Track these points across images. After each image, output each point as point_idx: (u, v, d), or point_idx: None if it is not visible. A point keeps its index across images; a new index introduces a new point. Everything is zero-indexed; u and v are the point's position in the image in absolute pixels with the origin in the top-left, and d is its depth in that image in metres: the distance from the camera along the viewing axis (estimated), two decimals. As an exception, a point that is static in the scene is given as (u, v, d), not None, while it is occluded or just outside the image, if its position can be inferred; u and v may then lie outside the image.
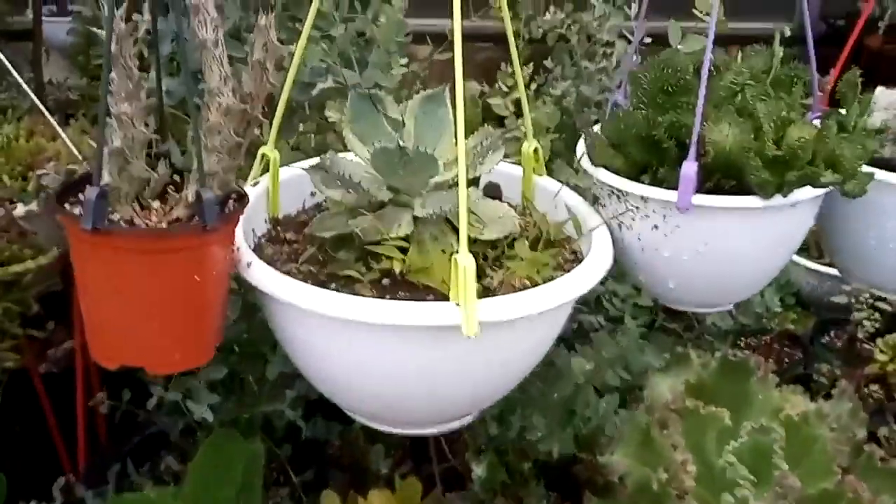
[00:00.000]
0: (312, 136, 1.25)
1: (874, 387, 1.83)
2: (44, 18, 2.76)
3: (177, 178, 0.86)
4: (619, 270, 1.60)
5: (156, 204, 0.82)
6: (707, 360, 1.61)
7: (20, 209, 1.37)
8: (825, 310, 2.16)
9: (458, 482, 1.64)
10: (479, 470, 1.43)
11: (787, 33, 1.92)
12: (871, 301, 1.94)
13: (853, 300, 1.97)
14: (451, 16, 0.79)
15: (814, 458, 1.40)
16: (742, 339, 2.03)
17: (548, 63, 2.28)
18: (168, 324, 0.80)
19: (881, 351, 1.84)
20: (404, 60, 1.25)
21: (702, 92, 0.86)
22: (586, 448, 1.53)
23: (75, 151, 1.49)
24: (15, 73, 1.54)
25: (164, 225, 0.79)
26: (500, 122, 1.88)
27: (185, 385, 1.39)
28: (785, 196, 0.89)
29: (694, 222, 0.91)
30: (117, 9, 0.73)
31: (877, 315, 1.93)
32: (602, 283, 1.71)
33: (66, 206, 0.81)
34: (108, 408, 1.55)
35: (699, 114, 0.86)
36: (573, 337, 1.66)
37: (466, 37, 1.76)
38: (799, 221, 0.96)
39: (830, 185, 0.92)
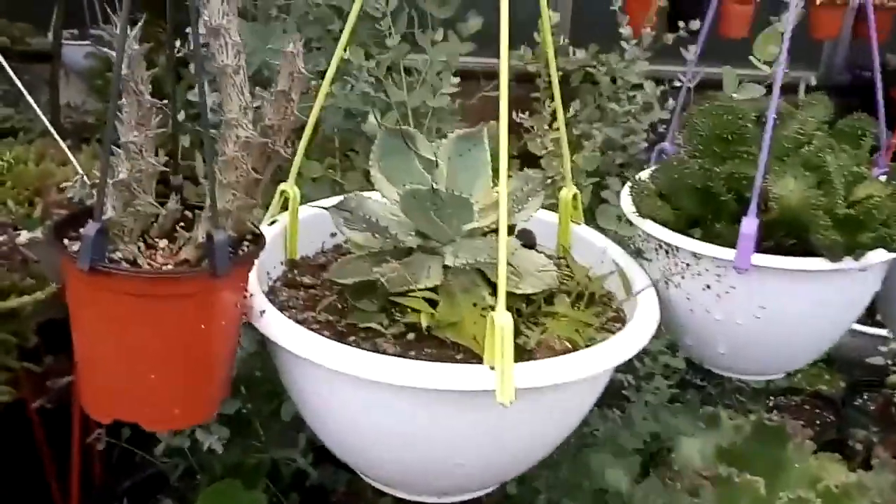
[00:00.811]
0: (338, 169, 1.18)
1: (913, 455, 1.73)
2: (64, 42, 2.73)
3: (188, 213, 0.79)
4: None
5: (163, 243, 0.74)
6: (740, 423, 1.52)
7: (24, 236, 1.30)
8: (857, 370, 2.07)
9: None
10: (495, 531, 1.33)
11: (813, 82, 1.87)
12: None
13: (889, 362, 1.87)
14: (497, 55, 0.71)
15: (854, 533, 1.31)
16: (771, 398, 1.93)
17: (575, 105, 2.23)
18: (169, 376, 0.72)
19: (921, 418, 1.74)
20: (456, 80, 1.19)
21: (766, 141, 0.78)
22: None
23: (84, 176, 1.43)
24: (27, 96, 1.48)
25: (170, 267, 0.71)
26: (522, 162, 1.81)
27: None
28: (856, 259, 0.81)
29: (751, 284, 0.83)
30: (131, 30, 0.66)
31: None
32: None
33: (66, 240, 0.73)
34: (106, 445, 1.48)
35: (762, 166, 0.79)
36: (604, 398, 1.58)
37: (487, 75, 1.70)
38: (867, 286, 0.87)
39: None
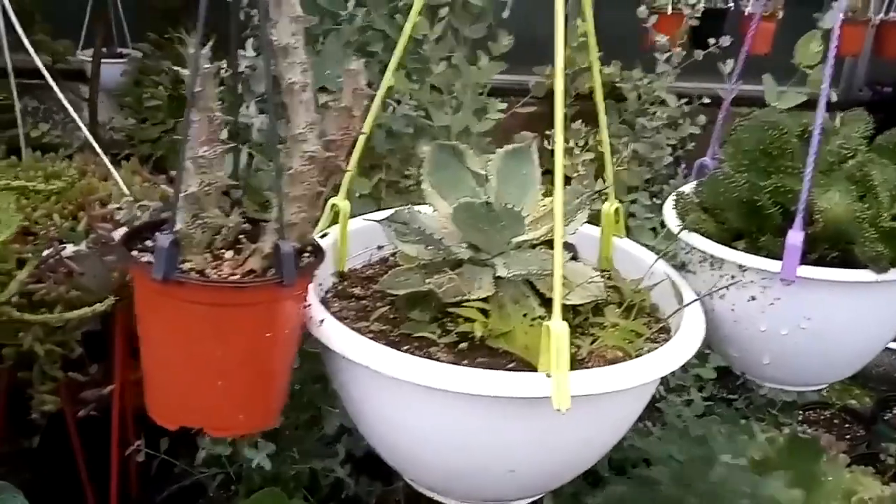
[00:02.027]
0: (382, 186, 1.21)
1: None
2: (89, 59, 2.79)
3: (247, 226, 0.82)
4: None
5: (228, 254, 0.77)
6: (774, 435, 1.53)
7: (69, 249, 1.33)
8: (885, 385, 2.07)
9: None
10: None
11: (834, 98, 1.88)
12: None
13: None
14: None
15: (887, 547, 1.32)
16: (801, 412, 1.94)
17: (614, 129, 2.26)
18: (235, 383, 0.74)
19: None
20: (503, 105, 1.22)
21: (812, 155, 0.80)
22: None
23: (126, 192, 1.46)
24: (73, 114, 1.51)
25: (237, 277, 0.74)
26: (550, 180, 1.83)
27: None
28: (901, 270, 0.82)
29: (797, 295, 0.85)
30: (203, 47, 0.69)
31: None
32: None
33: (134, 252, 0.76)
34: (145, 456, 1.51)
35: (808, 179, 0.81)
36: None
37: (512, 91, 1.71)
38: (909, 298, 0.89)
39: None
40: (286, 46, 0.71)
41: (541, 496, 0.94)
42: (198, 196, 0.73)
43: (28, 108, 2.36)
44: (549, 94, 2.61)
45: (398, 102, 1.17)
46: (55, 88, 1.46)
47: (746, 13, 3.50)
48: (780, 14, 3.24)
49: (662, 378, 1.62)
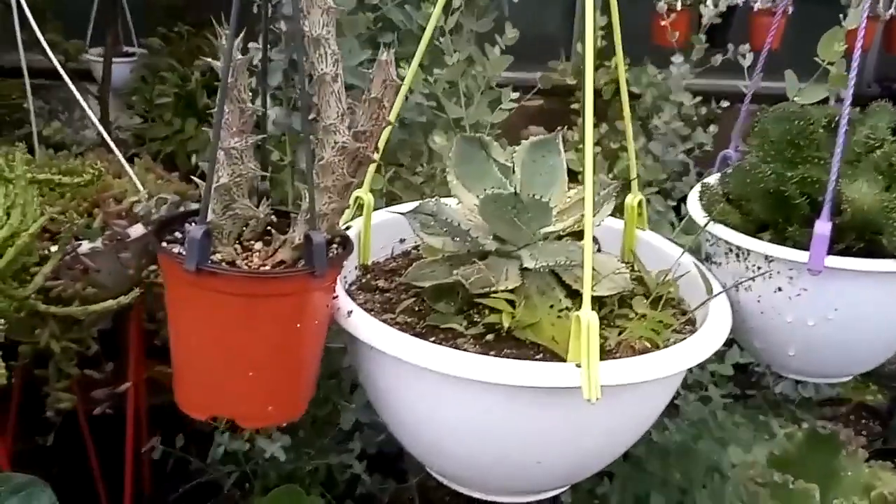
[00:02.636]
0: (397, 180, 1.21)
1: (960, 466, 1.73)
2: (95, 58, 2.80)
3: (274, 218, 0.82)
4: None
5: (257, 245, 0.77)
6: (792, 431, 1.53)
7: (84, 246, 1.33)
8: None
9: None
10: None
11: (841, 95, 1.88)
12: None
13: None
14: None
15: (908, 540, 1.32)
16: (817, 409, 1.94)
17: (619, 125, 2.26)
18: (265, 373, 0.74)
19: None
20: (515, 95, 1.22)
21: (839, 146, 0.80)
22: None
23: (141, 189, 1.46)
24: (91, 114, 1.52)
25: (267, 267, 0.74)
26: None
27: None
28: (928, 259, 0.82)
29: (824, 286, 0.85)
30: (236, 38, 0.69)
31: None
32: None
33: (164, 244, 0.76)
34: (161, 454, 1.51)
35: (835, 169, 0.81)
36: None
37: (522, 88, 1.71)
38: (936, 288, 0.89)
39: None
40: (318, 37, 0.71)
41: (565, 488, 0.94)
42: (229, 187, 0.73)
43: (35, 108, 2.36)
44: (555, 89, 2.62)
45: (411, 92, 1.17)
46: (73, 88, 1.47)
47: (755, 9, 3.50)
48: (790, 10, 3.24)
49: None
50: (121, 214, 1.41)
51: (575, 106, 2.48)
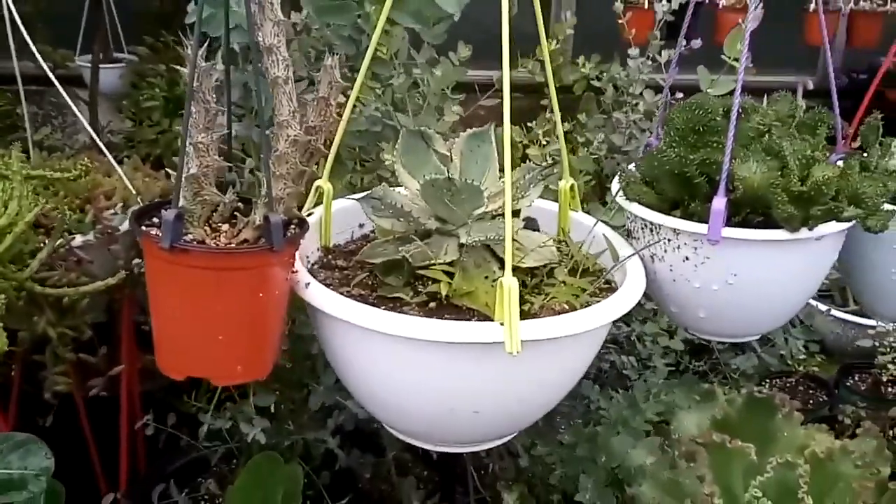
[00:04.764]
0: (361, 177, 1.32)
1: (900, 430, 1.85)
2: (86, 65, 2.91)
3: (240, 204, 0.94)
4: (646, 313, 1.65)
5: (224, 227, 0.89)
6: (733, 396, 1.65)
7: (78, 239, 1.44)
8: (850, 356, 2.19)
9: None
10: (510, 498, 1.47)
11: (811, 86, 2.00)
12: (894, 343, 1.97)
13: (878, 344, 2.00)
14: (500, 66, 0.86)
15: (839, 494, 1.42)
16: (767, 381, 2.06)
17: (581, 117, 2.37)
18: (233, 337, 0.86)
19: (906, 393, 1.87)
20: (457, 108, 1.33)
21: (731, 131, 0.92)
22: (615, 485, 1.56)
23: (130, 187, 1.58)
24: (80, 116, 1.63)
25: (233, 245, 0.86)
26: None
27: (236, 410, 1.46)
28: (810, 229, 0.95)
29: (724, 254, 0.97)
30: (200, 47, 0.81)
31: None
32: (631, 324, 1.77)
33: (143, 227, 0.88)
34: (154, 430, 1.62)
35: (728, 152, 0.93)
36: (607, 378, 1.72)
37: (484, 86, 1.82)
38: (823, 255, 1.01)
39: (853, 220, 0.97)
40: (270, 46, 0.83)
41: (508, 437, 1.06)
42: (197, 176, 0.85)
43: (28, 113, 2.47)
44: (532, 89, 2.73)
45: (364, 104, 1.28)
46: (63, 93, 1.57)
47: (721, 6, 3.63)
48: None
49: (633, 350, 1.74)
50: (110, 210, 1.52)
51: (543, 102, 2.60)
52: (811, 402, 2.06)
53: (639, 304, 1.71)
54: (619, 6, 2.33)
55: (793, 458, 1.42)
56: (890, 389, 1.96)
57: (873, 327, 2.09)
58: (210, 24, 1.02)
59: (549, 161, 1.82)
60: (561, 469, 1.40)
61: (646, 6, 3.29)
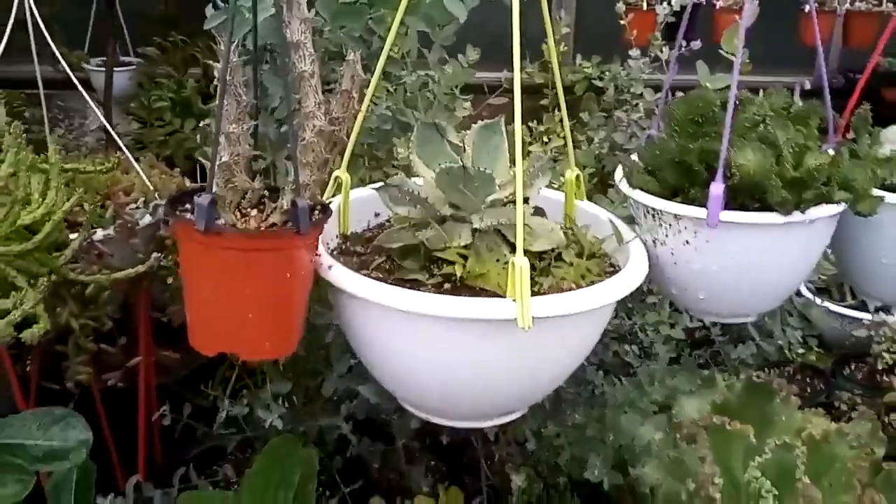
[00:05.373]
0: (369, 174, 1.38)
1: (894, 416, 1.91)
2: (94, 68, 2.97)
3: (266, 192, 1.00)
4: (647, 307, 1.71)
5: (253, 212, 0.94)
6: (732, 382, 1.70)
7: (99, 234, 1.50)
8: (847, 349, 2.25)
9: (497, 500, 1.73)
10: (518, 480, 1.53)
11: (808, 86, 2.06)
12: (890, 334, 2.03)
13: (872, 334, 2.06)
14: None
15: (834, 474, 1.47)
16: (766, 370, 2.11)
17: (584, 116, 2.43)
18: (262, 315, 0.92)
19: (901, 380, 1.93)
20: (467, 105, 1.39)
21: (728, 121, 0.98)
22: (620, 468, 1.62)
23: (148, 183, 1.63)
24: (98, 112, 1.68)
25: (262, 228, 0.92)
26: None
27: (253, 398, 1.52)
28: (803, 213, 1.01)
29: (722, 237, 1.03)
30: (232, 44, 0.87)
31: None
32: (632, 317, 1.83)
33: (178, 213, 0.94)
34: (170, 422, 1.67)
35: (725, 140, 0.99)
36: (611, 367, 1.78)
37: (492, 88, 1.88)
38: (816, 238, 1.07)
39: (843, 203, 1.03)
40: (298, 42, 0.89)
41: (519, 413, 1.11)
42: (229, 164, 0.91)
43: (35, 116, 2.54)
44: (534, 90, 2.80)
45: (375, 104, 1.34)
46: (85, 96, 1.62)
47: (718, 6, 3.69)
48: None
49: (635, 339, 1.79)
50: (129, 205, 1.58)
51: (543, 102, 2.67)
52: (808, 389, 2.11)
53: (641, 298, 1.78)
54: (620, 7, 2.39)
55: (790, 440, 1.47)
56: (885, 378, 2.02)
57: (869, 320, 2.15)
58: (234, 25, 1.07)
59: (553, 155, 1.88)
60: (569, 450, 1.46)
61: (645, 7, 3.35)
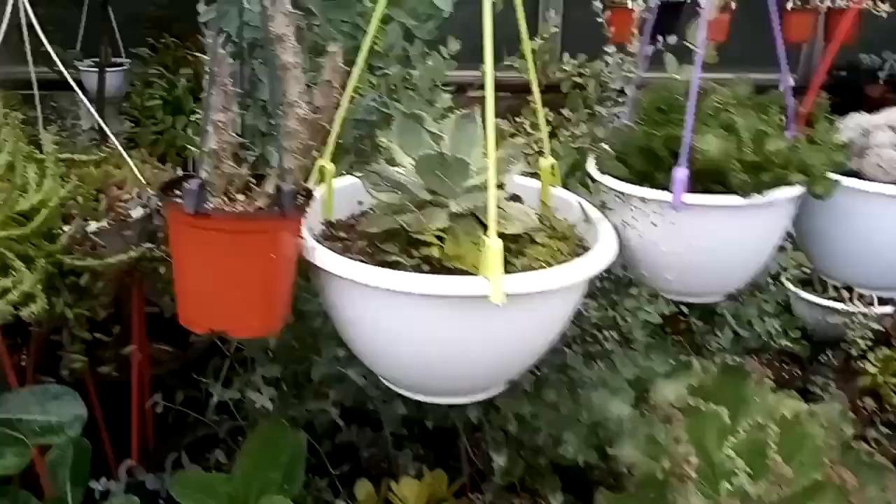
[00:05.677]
0: (350, 164, 1.42)
1: (868, 399, 1.97)
2: (86, 69, 3.02)
3: (252, 179, 1.05)
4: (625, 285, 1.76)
5: (241, 197, 1.00)
6: (708, 365, 1.76)
7: (92, 226, 1.54)
8: (831, 340, 2.31)
9: (482, 481, 1.79)
10: (499, 460, 1.58)
11: (791, 83, 2.12)
12: (863, 321, 2.10)
13: (848, 320, 2.12)
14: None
15: (806, 453, 1.53)
16: (744, 356, 2.17)
17: (566, 112, 2.49)
18: (248, 294, 0.97)
19: (872, 365, 1.99)
20: (448, 96, 1.44)
21: (690, 108, 1.04)
22: (598, 450, 1.67)
23: (139, 176, 1.68)
24: (91, 108, 1.73)
25: (249, 211, 0.97)
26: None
27: (243, 383, 1.57)
28: (762, 195, 1.06)
29: (687, 219, 1.08)
30: (219, 37, 0.92)
31: (869, 333, 2.08)
32: (615, 306, 1.88)
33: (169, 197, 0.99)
34: (163, 410, 1.72)
35: (688, 127, 1.04)
36: (595, 354, 1.83)
37: (472, 86, 1.92)
38: (776, 219, 1.13)
39: (800, 186, 1.09)
40: (281, 35, 0.94)
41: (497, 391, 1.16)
42: (217, 151, 0.96)
43: (30, 117, 2.58)
44: (521, 88, 2.85)
45: (362, 96, 1.39)
46: (81, 96, 1.67)
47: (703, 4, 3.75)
48: (734, 5, 3.47)
49: (612, 324, 1.85)
50: (121, 199, 1.63)
51: (530, 99, 2.72)
52: (785, 375, 2.17)
53: (623, 285, 1.82)
54: (598, 5, 2.44)
55: (763, 420, 1.53)
56: (858, 363, 2.08)
57: (844, 309, 2.21)
58: (224, 20, 1.12)
59: (536, 148, 1.93)
60: (546, 430, 1.51)
61: (629, 5, 3.40)
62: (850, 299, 2.26)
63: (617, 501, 1.59)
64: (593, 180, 1.21)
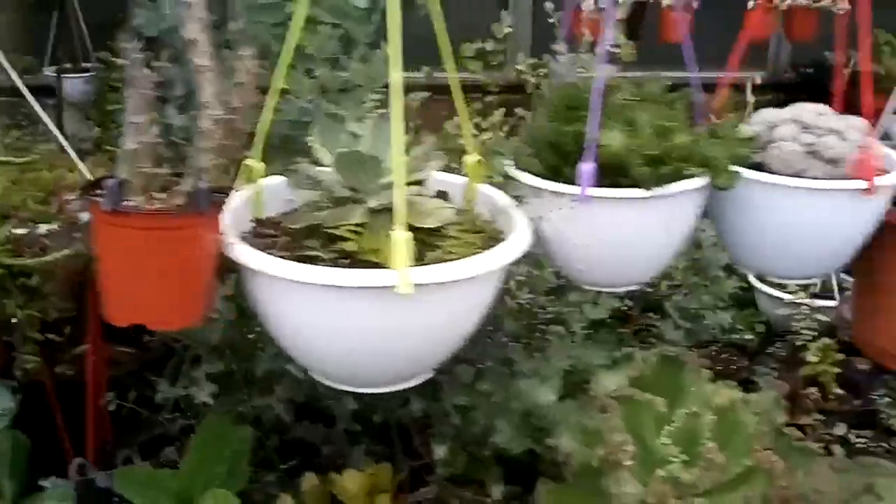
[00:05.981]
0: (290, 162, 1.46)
1: (811, 389, 2.02)
2: (53, 75, 3.04)
3: (174, 178, 1.09)
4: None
5: (160, 195, 1.04)
6: (648, 356, 1.81)
7: (42, 228, 1.58)
8: (784, 327, 2.36)
9: (429, 473, 1.83)
10: (440, 451, 1.62)
11: (758, 81, 2.16)
12: (808, 312, 2.15)
13: (792, 312, 2.18)
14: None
15: (740, 440, 1.58)
16: (693, 349, 2.22)
17: (519, 111, 2.54)
18: (167, 288, 1.01)
19: (814, 355, 2.05)
20: (376, 96, 1.48)
21: (593, 105, 1.09)
22: (539, 441, 1.71)
23: (91, 179, 1.71)
24: (44, 116, 1.76)
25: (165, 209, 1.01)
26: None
27: (190, 381, 1.61)
28: (663, 187, 1.11)
29: (594, 212, 1.13)
30: (134, 42, 0.96)
31: (815, 325, 2.14)
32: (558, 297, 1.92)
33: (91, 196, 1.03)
34: (116, 408, 1.75)
35: (593, 122, 1.09)
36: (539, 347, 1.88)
37: (433, 88, 1.96)
38: (680, 211, 1.18)
39: (700, 178, 1.14)
40: (194, 39, 0.98)
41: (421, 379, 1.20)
42: (136, 152, 1.00)
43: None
44: (477, 88, 2.89)
45: (297, 97, 1.43)
46: (31, 100, 1.70)
47: (664, 5, 3.80)
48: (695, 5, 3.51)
49: (559, 317, 1.89)
50: (72, 202, 1.66)
51: (488, 100, 2.77)
52: (733, 366, 2.23)
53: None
54: (549, 6, 2.48)
55: (699, 409, 1.58)
56: (802, 354, 2.13)
57: (789, 300, 2.26)
58: (150, 25, 1.17)
59: (483, 147, 1.98)
60: (484, 420, 1.55)
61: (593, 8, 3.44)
62: (803, 291, 2.30)
63: (556, 491, 1.64)
64: (508, 176, 1.25)
